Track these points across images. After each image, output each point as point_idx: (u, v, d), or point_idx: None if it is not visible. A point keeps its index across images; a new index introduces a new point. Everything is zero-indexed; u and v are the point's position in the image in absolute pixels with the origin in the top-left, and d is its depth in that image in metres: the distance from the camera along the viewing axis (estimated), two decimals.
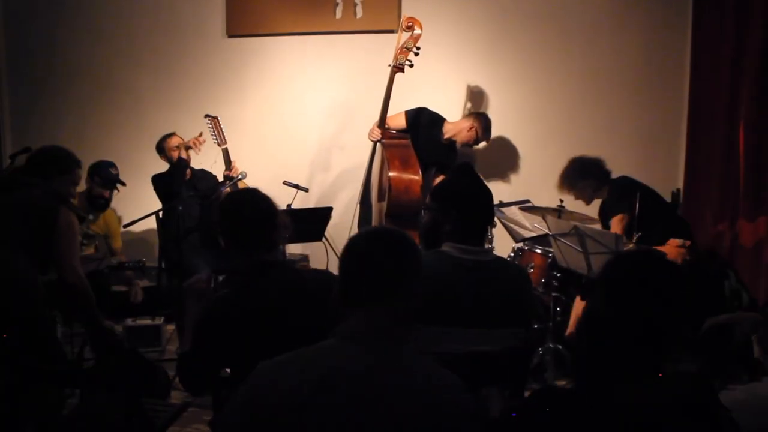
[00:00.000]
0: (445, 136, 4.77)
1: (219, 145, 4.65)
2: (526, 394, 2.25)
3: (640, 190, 4.07)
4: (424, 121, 4.76)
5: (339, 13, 5.25)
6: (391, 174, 4.35)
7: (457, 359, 2.19)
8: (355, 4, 5.22)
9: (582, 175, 4.34)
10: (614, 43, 5.10)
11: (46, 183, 3.15)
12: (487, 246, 4.23)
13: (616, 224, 4.12)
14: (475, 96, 5.25)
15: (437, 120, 4.80)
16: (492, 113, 5.24)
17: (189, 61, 5.40)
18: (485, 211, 2.46)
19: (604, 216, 4.35)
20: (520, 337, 2.34)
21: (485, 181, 2.63)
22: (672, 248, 3.99)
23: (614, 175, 4.44)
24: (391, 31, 5.04)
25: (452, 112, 5.19)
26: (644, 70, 5.08)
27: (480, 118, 4.78)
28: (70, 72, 5.49)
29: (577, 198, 4.43)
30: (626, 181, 4.30)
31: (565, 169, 4.42)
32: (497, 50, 5.23)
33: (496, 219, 4.32)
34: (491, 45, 5.23)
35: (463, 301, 2.27)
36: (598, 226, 4.12)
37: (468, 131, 4.74)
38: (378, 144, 4.63)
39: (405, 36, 4.50)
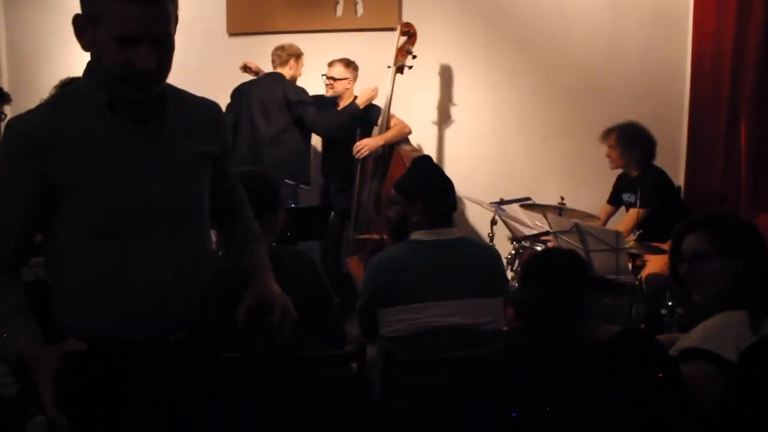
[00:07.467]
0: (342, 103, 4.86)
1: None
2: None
3: (674, 189, 4.07)
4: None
5: (340, 11, 5.25)
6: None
7: (437, 332, 2.33)
8: (356, 2, 5.22)
9: (631, 142, 4.26)
10: (614, 40, 5.10)
11: None
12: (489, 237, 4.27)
13: (633, 216, 4.03)
14: (476, 94, 5.25)
15: (325, 103, 4.88)
16: (493, 111, 5.25)
17: (190, 60, 5.37)
18: (449, 197, 2.57)
19: (622, 189, 4.36)
20: (498, 309, 2.44)
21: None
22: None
23: (614, 173, 4.45)
24: (392, 29, 5.03)
25: (451, 111, 5.19)
26: (644, 69, 5.08)
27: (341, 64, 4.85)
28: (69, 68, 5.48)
29: (610, 155, 4.34)
30: (665, 177, 4.29)
31: (621, 126, 4.34)
32: (497, 49, 5.22)
33: (497, 217, 4.32)
34: (491, 43, 5.23)
35: (438, 277, 2.39)
36: (598, 224, 4.12)
37: (349, 85, 4.84)
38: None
39: (402, 40, 4.56)
